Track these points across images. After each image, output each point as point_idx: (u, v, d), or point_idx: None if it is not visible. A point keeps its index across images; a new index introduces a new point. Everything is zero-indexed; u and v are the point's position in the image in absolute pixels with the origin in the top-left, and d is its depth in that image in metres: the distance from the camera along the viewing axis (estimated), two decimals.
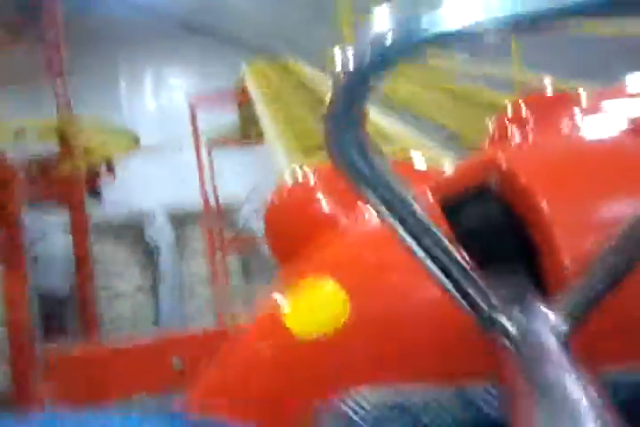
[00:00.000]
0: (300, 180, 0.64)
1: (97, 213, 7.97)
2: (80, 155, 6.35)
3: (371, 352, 0.50)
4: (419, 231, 0.41)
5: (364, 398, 0.49)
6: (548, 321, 0.42)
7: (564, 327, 0.41)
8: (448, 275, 0.42)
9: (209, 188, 7.23)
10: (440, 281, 0.44)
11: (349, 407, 0.49)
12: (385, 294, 0.51)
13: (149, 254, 8.98)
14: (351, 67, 0.35)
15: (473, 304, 0.43)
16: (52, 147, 6.06)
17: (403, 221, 0.41)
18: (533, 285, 0.50)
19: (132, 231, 8.68)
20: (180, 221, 8.58)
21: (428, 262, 0.43)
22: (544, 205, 0.49)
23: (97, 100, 8.81)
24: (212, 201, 7.28)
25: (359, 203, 0.56)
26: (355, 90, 0.35)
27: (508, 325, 0.43)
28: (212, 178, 7.11)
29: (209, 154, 7.20)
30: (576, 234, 0.49)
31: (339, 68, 0.35)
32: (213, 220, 7.28)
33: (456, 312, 0.45)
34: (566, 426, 0.30)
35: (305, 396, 0.49)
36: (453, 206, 0.54)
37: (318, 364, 0.50)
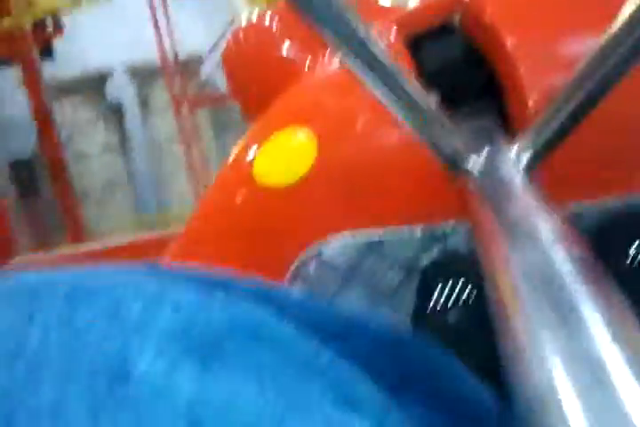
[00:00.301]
0: (258, 21, 0.62)
1: (51, 72, 7.68)
2: (21, 8, 5.93)
3: (339, 196, 0.52)
4: (382, 71, 0.40)
5: (337, 242, 0.51)
6: (512, 157, 0.42)
7: (528, 162, 0.42)
8: (413, 116, 0.44)
9: (167, 40, 6.92)
10: (405, 122, 0.44)
11: (322, 252, 0.51)
12: (351, 140, 0.52)
13: (112, 113, 8.80)
14: None
15: (437, 144, 0.43)
16: None
17: (365, 61, 0.40)
18: (499, 124, 0.52)
19: (92, 90, 8.41)
20: (141, 76, 8.30)
21: (393, 104, 0.43)
22: (508, 39, 0.48)
23: None
24: (171, 54, 7.01)
25: (321, 46, 0.54)
26: None
27: (471, 163, 0.43)
28: (170, 30, 6.79)
29: (164, 3, 6.80)
30: (542, 70, 0.48)
31: None
32: (175, 74, 7.06)
33: (423, 155, 0.46)
34: (535, 258, 0.31)
35: (277, 241, 0.52)
36: (416, 44, 0.53)
37: (288, 210, 0.52)
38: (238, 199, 0.52)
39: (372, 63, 0.40)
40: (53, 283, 0.27)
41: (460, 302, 0.49)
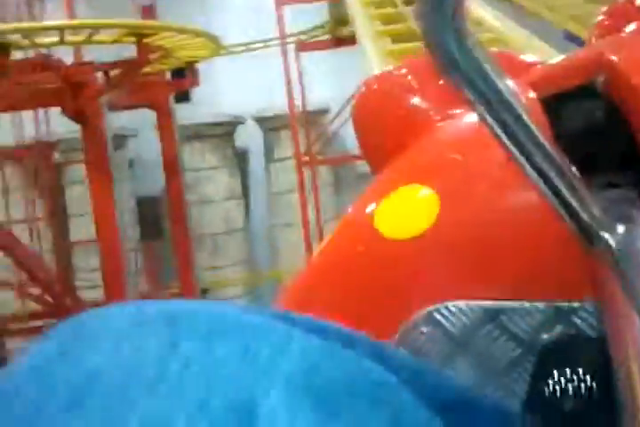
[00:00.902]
0: (391, 74, 0.63)
1: (185, 115, 8.19)
2: (160, 58, 6.42)
3: (459, 260, 0.51)
4: (518, 132, 0.40)
5: (453, 306, 0.50)
6: None
7: None
8: (549, 182, 0.43)
9: (297, 92, 7.21)
10: (540, 189, 0.43)
11: (436, 315, 0.51)
12: (478, 200, 0.51)
13: (238, 160, 9.21)
14: None
15: (574, 216, 0.43)
16: (131, 50, 6.15)
17: (501, 121, 0.40)
18: (638, 197, 0.50)
19: (221, 136, 8.87)
20: (269, 126, 8.66)
21: (528, 168, 0.42)
22: None
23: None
24: (299, 107, 7.28)
25: (453, 102, 0.55)
26: None
27: (610, 239, 0.42)
28: (301, 82, 7.07)
29: (297, 57, 7.12)
30: None
31: None
32: (301, 127, 7.30)
33: (554, 224, 0.45)
34: None
35: (392, 297, 0.51)
36: (555, 105, 0.52)
37: (406, 266, 0.52)
38: (355, 250, 0.52)
39: (509, 121, 0.40)
40: (194, 314, 0.29)
41: (580, 391, 0.47)
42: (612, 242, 0.42)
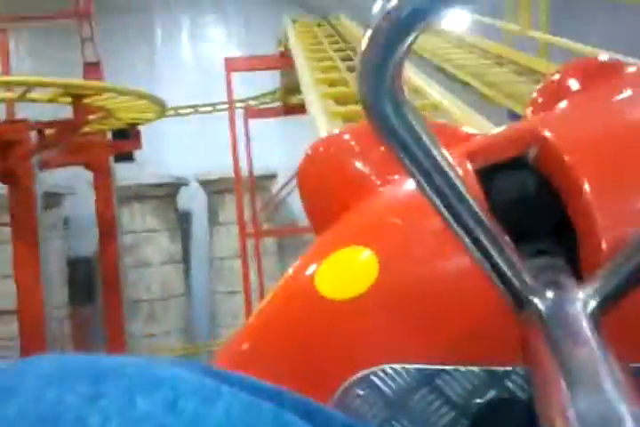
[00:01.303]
0: (335, 139, 0.67)
1: (127, 176, 8.15)
2: (100, 118, 6.40)
3: (397, 322, 0.53)
4: (454, 200, 0.43)
5: (390, 369, 0.51)
6: (580, 302, 0.43)
7: (595, 309, 0.43)
8: (482, 248, 0.44)
9: (243, 157, 7.27)
10: (473, 254, 0.46)
11: (373, 377, 0.52)
12: (415, 263, 0.54)
13: (180, 223, 9.15)
14: (389, 19, 0.36)
15: (505, 281, 0.45)
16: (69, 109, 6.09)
17: (437, 188, 0.42)
18: (567, 264, 0.52)
19: (164, 198, 8.83)
20: (214, 189, 8.68)
21: (462, 234, 0.45)
22: (586, 181, 0.50)
23: (128, 54, 8.95)
24: (245, 171, 7.33)
25: (394, 167, 0.58)
26: (393, 42, 0.37)
27: (539, 304, 0.44)
28: (248, 146, 7.14)
29: (245, 122, 7.22)
30: (616, 216, 0.49)
31: (376, 19, 0.36)
32: (245, 192, 7.33)
33: (488, 289, 0.47)
34: (595, 409, 0.31)
35: (330, 358, 0.52)
36: (490, 175, 0.55)
37: (344, 327, 0.53)
38: (295, 310, 0.54)
39: (445, 190, 0.42)
40: (120, 367, 0.29)
41: None
42: (540, 307, 0.45)
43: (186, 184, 9.00)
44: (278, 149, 8.51)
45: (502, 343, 0.49)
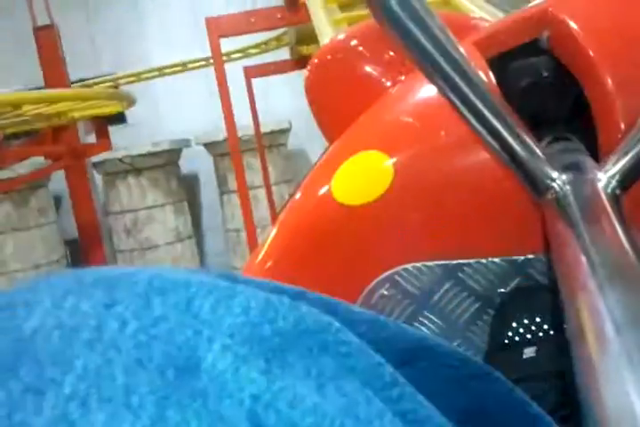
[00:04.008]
0: (341, 42, 0.73)
1: (120, 145, 8.23)
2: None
3: (416, 221, 0.59)
4: (468, 91, 0.47)
5: (413, 267, 0.59)
6: (599, 182, 0.48)
7: (615, 187, 0.47)
8: (498, 136, 0.49)
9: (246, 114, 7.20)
10: (490, 143, 0.52)
11: (396, 277, 0.59)
12: (429, 164, 0.60)
13: (186, 192, 9.21)
14: None
15: (523, 168, 0.51)
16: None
17: (450, 79, 0.47)
18: (586, 147, 0.57)
19: (164, 166, 8.83)
20: (221, 151, 8.65)
21: (477, 123, 0.50)
22: (601, 61, 0.54)
23: None
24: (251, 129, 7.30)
25: (403, 66, 0.65)
26: None
27: (559, 187, 0.50)
28: (253, 106, 7.05)
29: (248, 81, 7.09)
30: (635, 98, 0.53)
31: None
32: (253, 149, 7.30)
33: (505, 182, 0.53)
34: (620, 288, 0.34)
35: (353, 261, 0.60)
36: (501, 63, 0.61)
37: (364, 231, 0.60)
38: (313, 219, 0.61)
39: (456, 80, 0.48)
40: (132, 275, 0.33)
41: (537, 337, 0.55)
42: (560, 189, 0.51)
43: (188, 146, 8.99)
44: (288, 101, 8.50)
45: (522, 233, 0.56)
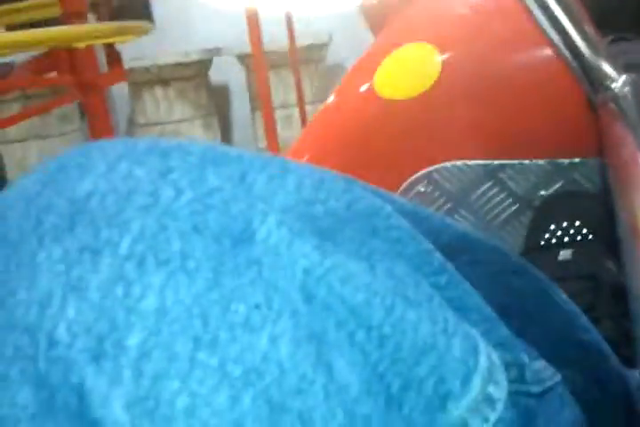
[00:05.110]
0: None
1: (144, 54, 8.20)
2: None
3: (462, 117, 0.62)
4: None
5: (453, 165, 0.62)
6: None
7: None
8: (563, 32, 0.53)
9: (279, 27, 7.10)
10: (553, 41, 0.53)
11: (436, 173, 0.62)
12: (480, 58, 0.63)
13: (216, 104, 9.18)
14: None
15: (584, 64, 0.54)
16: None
17: None
18: None
19: (193, 77, 8.82)
20: (252, 64, 8.59)
21: (543, 18, 0.52)
22: None
23: None
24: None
25: None
26: None
27: (619, 88, 0.54)
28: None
29: None
30: None
31: None
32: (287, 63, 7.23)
33: (555, 83, 0.56)
34: None
35: (395, 155, 0.64)
36: None
37: (408, 125, 0.63)
38: (355, 112, 0.64)
39: None
40: (186, 146, 0.35)
41: (575, 241, 0.58)
42: (618, 90, 0.53)
43: (219, 55, 8.91)
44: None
45: (570, 136, 0.59)
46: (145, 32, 6.48)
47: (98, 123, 6.55)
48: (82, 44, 6.17)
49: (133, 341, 0.27)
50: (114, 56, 7.20)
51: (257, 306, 0.28)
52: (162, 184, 0.32)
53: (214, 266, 0.30)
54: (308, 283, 0.30)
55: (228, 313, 0.28)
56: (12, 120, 5.79)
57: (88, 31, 5.65)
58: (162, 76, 8.50)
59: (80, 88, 6.29)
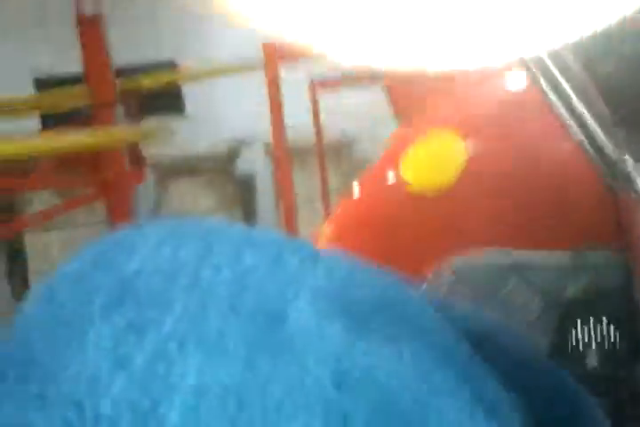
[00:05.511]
0: None
1: (173, 145, 8.36)
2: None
3: (488, 209, 0.63)
4: (551, 74, 0.53)
5: (479, 258, 0.62)
6: None
7: None
8: (582, 125, 0.54)
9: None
10: (572, 132, 0.55)
11: (461, 266, 0.63)
12: (506, 149, 0.64)
13: (242, 191, 9.29)
14: None
15: (605, 157, 0.55)
16: None
17: (543, 65, 0.52)
18: None
19: (220, 167, 8.90)
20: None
21: (561, 108, 0.54)
22: None
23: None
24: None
25: None
26: None
27: (637, 179, 0.55)
28: (317, 119, 7.04)
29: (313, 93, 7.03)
30: None
31: None
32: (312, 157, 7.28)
33: (581, 171, 0.57)
34: None
35: (419, 246, 0.64)
36: (587, 51, 0.65)
37: (434, 217, 0.65)
38: (383, 202, 0.66)
39: (551, 67, 0.52)
40: (226, 228, 0.38)
41: (603, 345, 0.58)
42: (636, 178, 0.54)
43: (247, 145, 9.00)
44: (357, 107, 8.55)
45: (595, 230, 0.59)
46: (169, 134, 6.49)
47: (118, 219, 6.50)
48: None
49: (173, 418, 0.29)
50: (137, 155, 7.20)
51: (290, 390, 0.29)
52: (202, 264, 0.34)
53: (250, 346, 0.31)
54: (339, 367, 0.31)
55: (264, 396, 0.29)
56: (34, 220, 5.72)
57: (111, 139, 5.61)
58: (188, 167, 8.62)
59: (102, 188, 6.28)
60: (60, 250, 7.88)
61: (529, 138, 0.61)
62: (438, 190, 0.61)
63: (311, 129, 6.96)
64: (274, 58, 5.85)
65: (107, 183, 5.81)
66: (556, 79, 0.50)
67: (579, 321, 0.57)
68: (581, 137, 0.53)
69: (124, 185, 5.86)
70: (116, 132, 5.10)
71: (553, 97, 0.51)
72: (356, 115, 8.48)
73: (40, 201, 7.36)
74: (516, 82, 0.53)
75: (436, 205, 0.61)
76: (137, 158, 6.55)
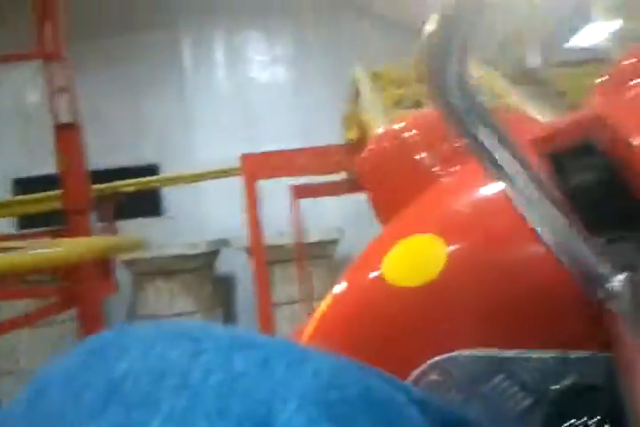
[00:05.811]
0: (397, 131, 0.82)
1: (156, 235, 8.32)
2: None
3: (469, 308, 0.64)
4: (525, 186, 0.53)
5: (463, 355, 0.63)
6: None
7: None
8: (555, 232, 0.55)
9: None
10: (547, 242, 0.57)
11: (446, 363, 0.63)
12: (484, 252, 0.66)
13: (221, 292, 9.20)
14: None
15: (580, 266, 0.55)
16: None
17: (508, 173, 0.53)
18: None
19: (199, 268, 8.84)
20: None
21: (536, 218, 0.55)
22: None
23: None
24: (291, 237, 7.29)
25: (456, 157, 0.72)
26: (459, 23, 0.48)
27: (614, 288, 0.54)
28: (297, 222, 7.06)
29: (294, 200, 7.06)
30: None
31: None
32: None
33: (560, 274, 0.59)
34: None
35: (402, 345, 0.65)
36: (557, 161, 0.68)
37: (415, 315, 0.65)
38: (364, 298, 0.67)
39: (517, 177, 0.53)
40: (215, 331, 0.39)
41: None
42: (616, 290, 0.55)
43: (226, 246, 8.96)
44: (339, 209, 8.61)
45: (579, 330, 0.60)
46: (140, 248, 6.34)
47: (89, 325, 6.33)
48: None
49: None
50: (106, 266, 7.03)
51: None
52: (192, 366, 0.35)
53: None
54: None
55: None
56: (3, 327, 5.55)
57: (79, 253, 5.44)
58: (166, 268, 8.51)
59: (71, 299, 6.13)
60: (28, 348, 7.76)
61: (506, 240, 0.63)
62: (419, 287, 0.63)
63: (291, 230, 7.01)
64: (251, 169, 5.97)
65: (75, 294, 5.73)
66: (521, 184, 0.54)
67: (567, 419, 0.58)
68: (552, 243, 0.56)
69: (93, 296, 5.79)
70: (85, 246, 5.02)
71: (521, 201, 0.54)
72: (339, 214, 8.54)
73: (11, 306, 7.26)
74: (489, 185, 0.57)
75: (420, 302, 0.63)
76: (106, 269, 6.46)
